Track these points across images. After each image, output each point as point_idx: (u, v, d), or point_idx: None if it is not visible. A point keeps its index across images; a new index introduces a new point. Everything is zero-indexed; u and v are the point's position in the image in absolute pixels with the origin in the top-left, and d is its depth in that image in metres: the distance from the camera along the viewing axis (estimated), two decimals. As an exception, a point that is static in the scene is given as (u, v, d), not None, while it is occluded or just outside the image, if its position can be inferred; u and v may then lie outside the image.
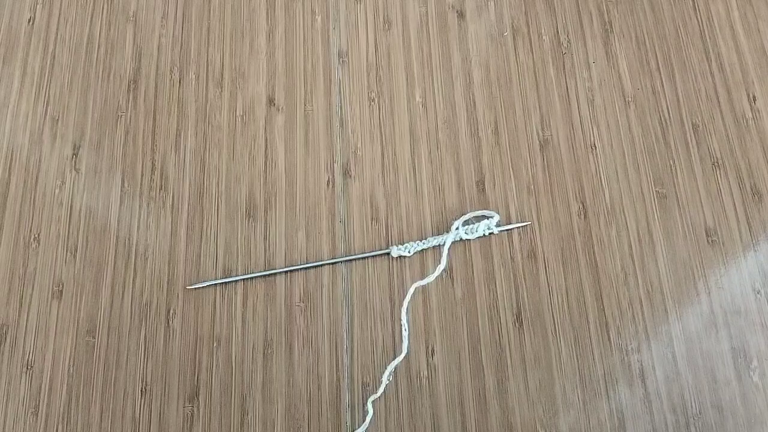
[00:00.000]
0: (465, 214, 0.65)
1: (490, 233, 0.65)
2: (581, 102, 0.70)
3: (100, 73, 0.72)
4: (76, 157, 0.69)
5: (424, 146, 0.69)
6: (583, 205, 0.66)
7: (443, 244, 0.64)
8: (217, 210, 0.67)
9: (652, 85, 0.70)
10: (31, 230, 0.66)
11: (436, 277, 0.64)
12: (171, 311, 0.63)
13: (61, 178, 0.68)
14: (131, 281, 0.64)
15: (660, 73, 0.71)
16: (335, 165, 0.68)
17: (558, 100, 0.70)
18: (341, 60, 0.73)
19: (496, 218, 0.65)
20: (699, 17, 0.73)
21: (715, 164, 0.67)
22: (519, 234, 0.65)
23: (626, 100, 0.70)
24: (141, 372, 0.61)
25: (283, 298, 0.64)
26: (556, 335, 0.62)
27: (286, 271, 0.64)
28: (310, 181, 0.68)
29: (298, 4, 0.75)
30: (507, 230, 0.65)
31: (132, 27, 0.74)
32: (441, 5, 0.75)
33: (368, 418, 0.59)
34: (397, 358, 0.61)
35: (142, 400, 0.61)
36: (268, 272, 0.64)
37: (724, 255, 0.64)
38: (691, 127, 0.68)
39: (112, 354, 0.62)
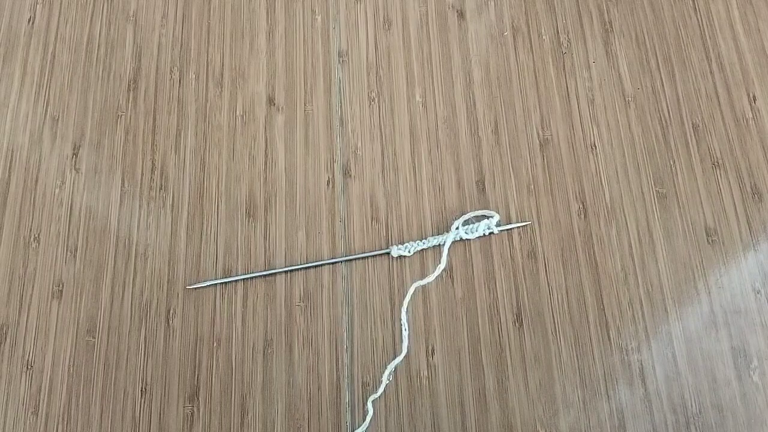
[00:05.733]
0: (465, 213, 0.65)
1: (490, 233, 0.65)
2: (581, 102, 0.70)
3: (100, 73, 0.72)
4: (76, 156, 0.69)
5: (424, 146, 0.69)
6: (583, 205, 0.66)
7: (443, 244, 0.64)
8: (217, 210, 0.67)
9: (652, 85, 0.70)
10: (31, 230, 0.66)
11: (436, 277, 0.64)
12: (171, 311, 0.63)
13: (61, 177, 0.68)
14: (131, 281, 0.64)
15: (660, 73, 0.71)
16: (335, 165, 0.68)
17: (558, 99, 0.70)
18: (341, 60, 0.73)
19: (496, 218, 0.65)
20: (699, 17, 0.73)
21: (715, 164, 0.67)
22: (519, 234, 0.65)
23: (626, 99, 0.70)
24: (141, 372, 0.61)
25: (283, 298, 0.64)
26: (556, 335, 0.62)
27: (286, 271, 0.64)
28: (310, 180, 0.68)
29: (298, 4, 0.75)
30: (507, 230, 0.65)
31: (132, 27, 0.74)
32: (441, 5, 0.74)
33: (368, 418, 0.59)
34: (397, 358, 0.61)
35: (142, 400, 0.61)
36: (268, 272, 0.64)
37: (724, 255, 0.64)
38: (691, 127, 0.68)
39: (112, 354, 0.62)
